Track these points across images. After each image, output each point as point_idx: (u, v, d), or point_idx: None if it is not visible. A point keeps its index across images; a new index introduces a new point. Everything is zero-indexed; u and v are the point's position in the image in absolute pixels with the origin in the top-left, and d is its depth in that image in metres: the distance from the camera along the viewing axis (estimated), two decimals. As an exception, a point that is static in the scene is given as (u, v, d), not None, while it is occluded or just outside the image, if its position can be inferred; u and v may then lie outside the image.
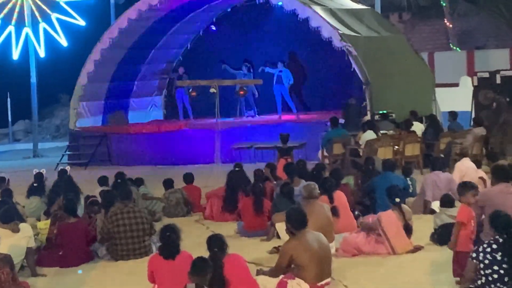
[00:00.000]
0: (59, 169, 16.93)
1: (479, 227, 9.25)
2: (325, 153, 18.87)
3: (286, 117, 23.35)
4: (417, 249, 10.64)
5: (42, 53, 27.84)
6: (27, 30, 27.40)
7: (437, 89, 23.51)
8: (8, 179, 15.03)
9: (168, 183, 14.89)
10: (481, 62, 30.28)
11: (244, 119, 23.90)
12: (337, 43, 20.93)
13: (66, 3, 27.47)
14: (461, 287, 8.36)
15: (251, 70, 24.45)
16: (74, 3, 27.65)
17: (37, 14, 27.36)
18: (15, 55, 27.79)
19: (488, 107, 20.31)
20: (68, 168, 16.43)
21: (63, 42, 27.74)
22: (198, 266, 7.56)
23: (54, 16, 27.44)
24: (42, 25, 27.51)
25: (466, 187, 9.12)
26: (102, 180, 14.56)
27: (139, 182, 15.17)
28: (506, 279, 7.45)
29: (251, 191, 12.70)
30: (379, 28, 23.45)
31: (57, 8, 27.47)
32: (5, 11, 27.11)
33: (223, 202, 13.69)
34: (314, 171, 13.44)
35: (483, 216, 9.34)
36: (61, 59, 29.81)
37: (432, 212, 12.43)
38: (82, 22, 27.49)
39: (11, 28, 27.38)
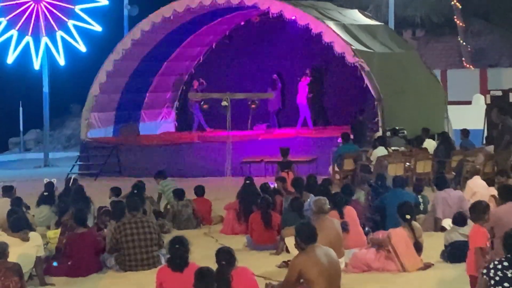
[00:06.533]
0: (67, 178, 16.90)
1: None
2: (336, 169, 18.82)
3: (298, 131, 23.31)
4: (427, 266, 10.58)
5: (62, 62, 27.80)
6: (45, 39, 27.42)
7: (450, 107, 23.46)
8: (15, 188, 15.01)
9: (179, 194, 14.83)
10: (494, 80, 30.23)
11: (256, 132, 23.92)
12: (350, 58, 20.90)
13: (81, 9, 27.48)
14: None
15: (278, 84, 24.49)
16: (89, 10, 27.65)
17: (52, 23, 27.34)
18: (36, 65, 27.71)
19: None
20: (76, 177, 16.37)
21: (82, 48, 27.60)
22: (200, 277, 7.53)
23: (71, 23, 27.45)
24: (59, 33, 27.50)
25: (481, 207, 9.13)
26: (116, 190, 14.51)
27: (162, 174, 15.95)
28: (516, 297, 7.37)
29: (259, 204, 12.68)
30: (392, 45, 23.44)
31: (72, 15, 27.48)
32: (21, 21, 27.15)
33: (237, 216, 13.65)
34: (321, 186, 13.43)
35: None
36: (73, 69, 29.83)
37: (443, 229, 12.38)
38: (98, 28, 27.40)
39: (28, 39, 27.40)
